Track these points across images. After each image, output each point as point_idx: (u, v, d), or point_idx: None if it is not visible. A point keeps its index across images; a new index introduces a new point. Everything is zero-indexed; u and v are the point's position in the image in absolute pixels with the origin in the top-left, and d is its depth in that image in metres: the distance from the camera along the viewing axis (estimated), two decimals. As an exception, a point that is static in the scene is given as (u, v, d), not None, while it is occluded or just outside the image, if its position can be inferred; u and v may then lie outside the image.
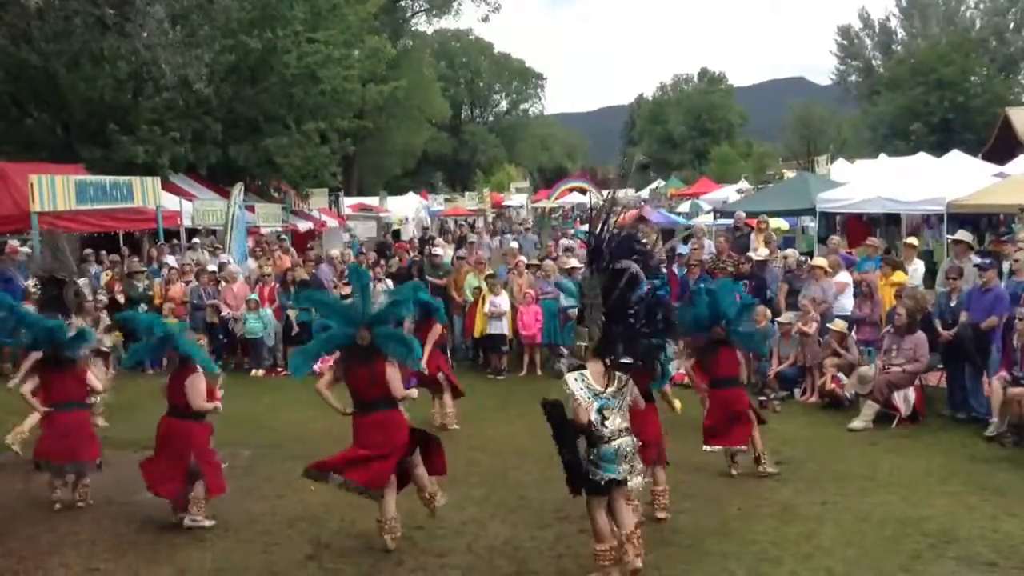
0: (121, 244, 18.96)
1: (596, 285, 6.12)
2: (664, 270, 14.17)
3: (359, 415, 6.87)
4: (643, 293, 6.14)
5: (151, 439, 9.00)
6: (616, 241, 6.16)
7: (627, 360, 6.07)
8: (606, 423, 5.93)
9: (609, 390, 5.99)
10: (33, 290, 12.87)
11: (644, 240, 6.69)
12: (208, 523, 7.37)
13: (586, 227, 7.02)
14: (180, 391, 7.43)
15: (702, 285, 9.92)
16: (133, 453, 9.54)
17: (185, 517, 7.37)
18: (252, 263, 17.14)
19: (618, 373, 6.05)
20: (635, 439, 6.12)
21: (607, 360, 6.02)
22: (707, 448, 8.42)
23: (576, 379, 6.01)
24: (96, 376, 8.20)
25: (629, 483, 6.02)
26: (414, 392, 7.06)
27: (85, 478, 8.07)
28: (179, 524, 7.42)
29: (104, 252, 17.20)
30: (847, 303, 12.17)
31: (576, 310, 6.60)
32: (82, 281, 13.67)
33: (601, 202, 6.64)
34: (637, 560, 5.98)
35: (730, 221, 19.00)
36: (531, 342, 13.82)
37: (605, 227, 6.22)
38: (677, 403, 7.97)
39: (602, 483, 5.95)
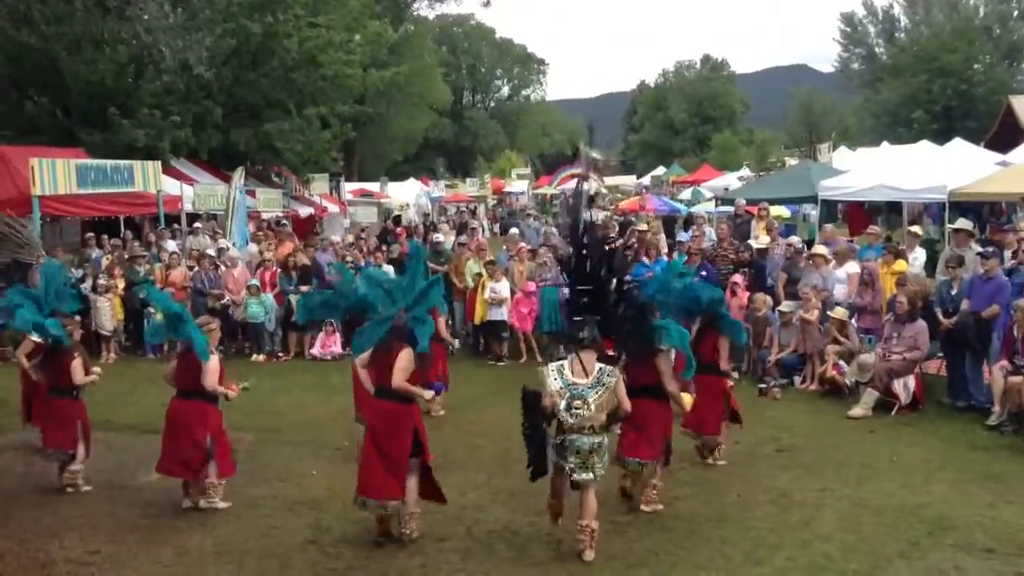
0: (122, 229, 18.94)
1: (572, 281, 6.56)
2: (665, 258, 14.23)
3: (373, 399, 6.81)
4: (614, 283, 6.56)
5: (151, 422, 9.07)
6: (584, 240, 6.57)
7: (586, 341, 6.31)
8: (575, 411, 6.11)
9: (583, 382, 6.18)
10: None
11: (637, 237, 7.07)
12: (223, 504, 7.44)
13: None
14: (193, 373, 7.43)
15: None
16: (134, 437, 9.65)
17: (200, 499, 7.43)
18: (253, 248, 17.12)
19: (600, 365, 6.26)
20: (599, 441, 6.23)
21: (572, 347, 6.36)
22: (682, 430, 8.22)
23: (553, 369, 6.31)
24: (79, 367, 8.16)
25: (575, 478, 6.20)
26: (428, 393, 6.92)
27: (72, 464, 8.05)
28: (181, 506, 7.48)
29: (106, 236, 17.18)
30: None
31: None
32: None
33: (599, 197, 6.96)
34: (589, 552, 6.27)
35: (731, 208, 18.97)
36: (523, 330, 13.82)
37: (575, 228, 6.65)
38: (687, 398, 7.62)
39: (559, 466, 6.26)
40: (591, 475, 6.21)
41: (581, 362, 6.22)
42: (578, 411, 6.10)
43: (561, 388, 6.16)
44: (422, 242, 18.10)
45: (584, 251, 6.73)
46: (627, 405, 6.38)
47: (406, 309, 6.77)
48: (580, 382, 6.16)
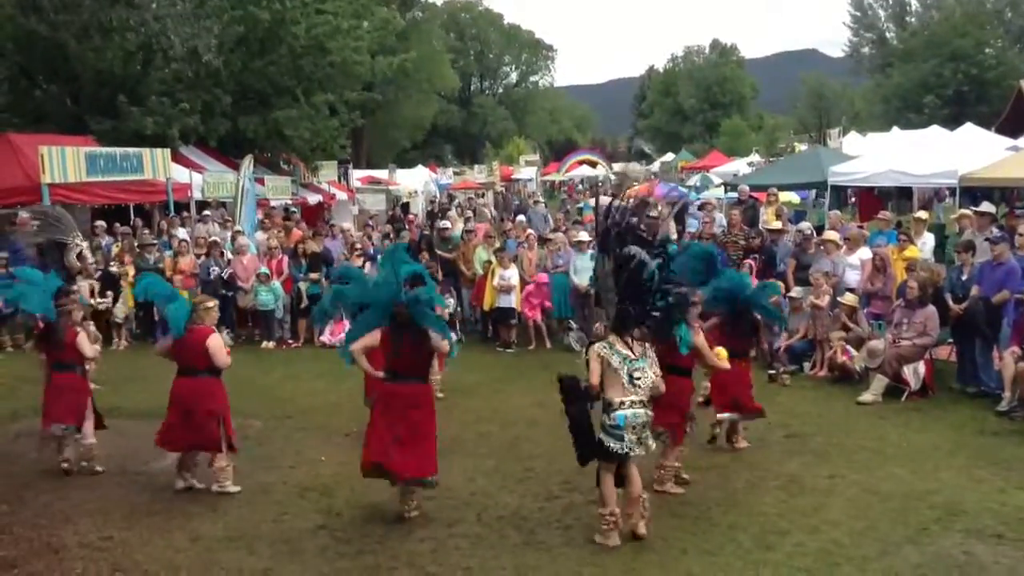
0: (132, 216, 18.98)
1: (607, 270, 6.50)
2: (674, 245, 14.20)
3: (391, 384, 6.87)
4: (651, 274, 6.41)
5: (163, 408, 9.10)
6: (621, 228, 6.46)
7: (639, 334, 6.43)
8: (637, 383, 6.26)
9: (633, 355, 6.33)
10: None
11: (647, 222, 6.98)
12: (235, 489, 7.51)
13: (593, 201, 7.24)
14: (197, 352, 7.49)
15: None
16: (145, 423, 9.69)
17: (213, 485, 7.52)
18: (261, 235, 17.13)
19: (639, 341, 6.40)
20: (649, 413, 6.38)
21: (623, 336, 6.38)
22: (721, 416, 8.44)
23: (604, 347, 6.36)
24: (85, 340, 8.26)
25: (633, 454, 6.31)
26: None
27: (84, 439, 8.16)
28: (198, 491, 7.57)
29: (118, 224, 17.22)
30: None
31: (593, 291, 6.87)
32: (84, 244, 13.78)
33: (607, 184, 6.91)
34: (642, 525, 6.39)
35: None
36: (533, 318, 13.82)
37: (610, 216, 6.51)
38: (722, 353, 7.70)
39: (612, 451, 6.27)
40: (644, 450, 6.39)
41: (628, 340, 6.36)
42: (638, 381, 6.26)
43: (620, 361, 6.27)
44: (428, 229, 18.08)
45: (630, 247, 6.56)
46: (662, 387, 6.55)
47: (405, 305, 6.82)
48: (631, 355, 6.31)
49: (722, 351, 7.72)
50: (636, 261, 6.34)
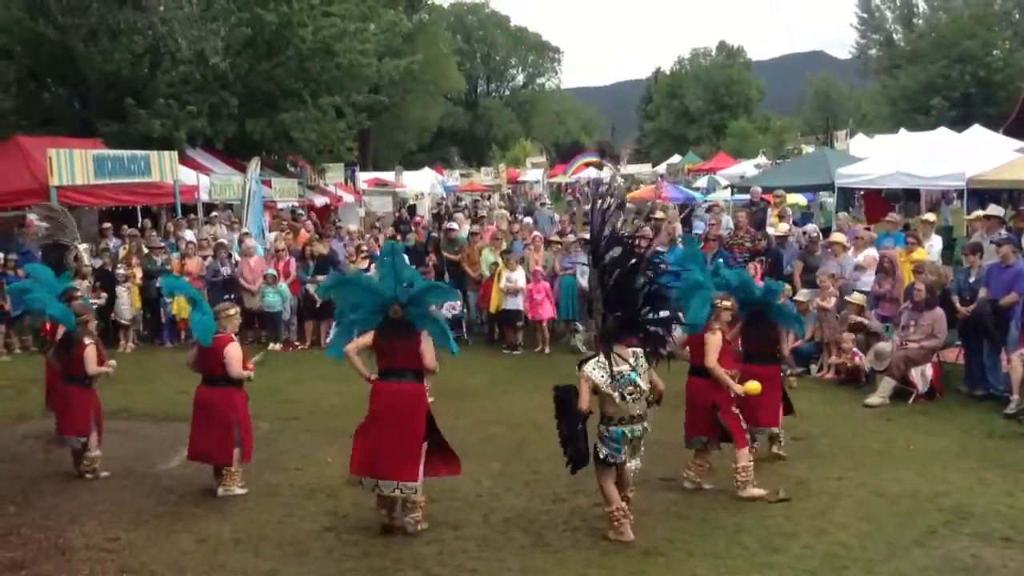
0: (140, 218, 19.04)
1: (596, 278, 6.46)
2: (680, 245, 14.17)
3: (382, 383, 6.76)
4: (641, 282, 6.37)
5: (169, 411, 9.14)
6: (609, 236, 6.41)
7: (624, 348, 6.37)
8: (631, 398, 6.23)
9: (626, 368, 6.27)
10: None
11: (635, 229, 6.95)
12: (241, 491, 7.52)
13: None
14: (215, 360, 7.50)
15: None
16: (152, 425, 9.73)
17: (219, 488, 7.50)
18: (272, 236, 17.14)
19: (632, 349, 6.34)
20: (647, 426, 6.44)
21: (606, 347, 6.33)
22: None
23: (594, 367, 6.30)
24: (92, 356, 8.22)
25: (629, 466, 6.41)
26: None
27: (88, 451, 8.12)
28: (200, 493, 7.55)
29: (125, 226, 17.27)
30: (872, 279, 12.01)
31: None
32: (83, 247, 13.84)
33: (602, 189, 6.86)
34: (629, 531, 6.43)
35: (747, 196, 18.90)
36: (538, 319, 13.79)
37: (601, 223, 6.45)
38: (751, 386, 7.39)
39: (608, 460, 6.33)
40: (639, 461, 6.47)
41: (618, 353, 6.29)
42: (633, 396, 6.24)
43: (610, 382, 6.21)
44: (435, 231, 18.09)
45: (613, 257, 6.47)
46: (661, 385, 6.59)
47: (401, 305, 6.70)
48: (623, 369, 6.25)
49: (754, 384, 7.36)
50: (620, 271, 6.27)
